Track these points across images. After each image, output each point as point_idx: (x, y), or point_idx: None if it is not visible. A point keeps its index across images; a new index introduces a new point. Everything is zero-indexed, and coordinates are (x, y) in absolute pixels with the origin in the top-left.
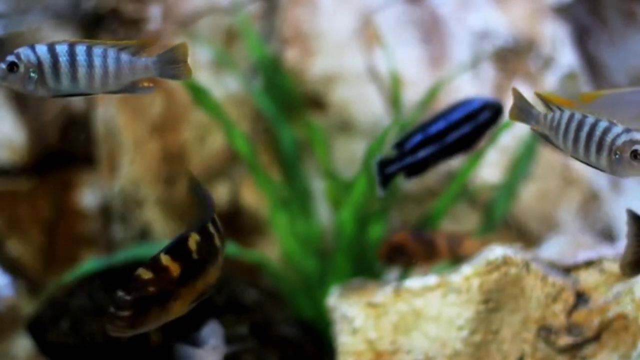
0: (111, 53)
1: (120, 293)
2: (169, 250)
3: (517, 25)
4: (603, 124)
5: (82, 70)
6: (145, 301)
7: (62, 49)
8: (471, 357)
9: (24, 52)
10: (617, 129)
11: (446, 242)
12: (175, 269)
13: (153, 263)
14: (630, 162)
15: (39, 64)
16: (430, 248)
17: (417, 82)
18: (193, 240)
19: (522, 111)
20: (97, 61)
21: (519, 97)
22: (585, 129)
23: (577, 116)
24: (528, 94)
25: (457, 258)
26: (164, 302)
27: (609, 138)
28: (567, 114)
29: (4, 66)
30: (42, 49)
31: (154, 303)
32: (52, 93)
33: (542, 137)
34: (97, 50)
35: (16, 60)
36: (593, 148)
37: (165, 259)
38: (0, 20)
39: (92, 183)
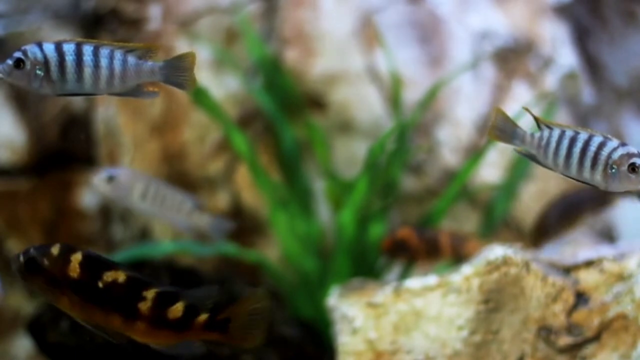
0: (118, 54)
1: (33, 246)
2: (88, 256)
3: (517, 25)
4: (597, 139)
5: (88, 70)
6: (35, 266)
7: (69, 48)
8: (471, 357)
9: (31, 49)
10: (613, 143)
11: (449, 241)
12: (74, 270)
13: (66, 249)
14: (628, 176)
15: (46, 61)
16: (433, 246)
17: (417, 82)
18: (116, 275)
19: (505, 131)
20: (104, 62)
21: (501, 116)
22: (579, 144)
23: (569, 133)
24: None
25: (459, 258)
26: (50, 284)
27: (605, 152)
28: (557, 131)
29: (10, 62)
30: (49, 47)
31: (41, 275)
32: (57, 91)
33: (526, 157)
34: (104, 51)
35: (23, 57)
36: (587, 163)
37: (74, 257)
38: (0, 20)
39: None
